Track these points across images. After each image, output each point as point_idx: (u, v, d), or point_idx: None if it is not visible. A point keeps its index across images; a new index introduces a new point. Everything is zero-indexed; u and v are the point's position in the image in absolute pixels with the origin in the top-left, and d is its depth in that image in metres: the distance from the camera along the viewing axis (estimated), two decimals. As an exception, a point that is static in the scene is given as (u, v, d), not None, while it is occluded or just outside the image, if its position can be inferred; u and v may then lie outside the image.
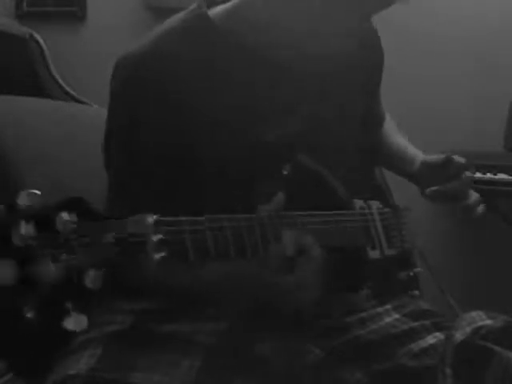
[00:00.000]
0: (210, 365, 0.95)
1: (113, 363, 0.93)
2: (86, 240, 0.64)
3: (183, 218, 0.73)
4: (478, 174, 2.03)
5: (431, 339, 1.03)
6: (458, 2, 2.44)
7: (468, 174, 1.11)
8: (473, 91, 2.41)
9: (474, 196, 1.13)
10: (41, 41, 2.48)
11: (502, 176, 2.05)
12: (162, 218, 0.69)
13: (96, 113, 1.57)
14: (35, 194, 0.63)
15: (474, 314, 1.02)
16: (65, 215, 0.63)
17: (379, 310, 1.09)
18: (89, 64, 2.68)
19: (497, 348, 0.95)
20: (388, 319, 1.08)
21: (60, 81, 2.50)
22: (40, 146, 1.31)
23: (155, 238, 0.67)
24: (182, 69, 0.96)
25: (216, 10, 1.02)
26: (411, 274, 1.12)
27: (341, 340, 1.03)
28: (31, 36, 2.47)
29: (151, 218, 0.68)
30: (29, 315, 0.62)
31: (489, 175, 2.04)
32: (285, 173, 0.94)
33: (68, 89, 2.49)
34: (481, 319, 1.00)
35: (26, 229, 0.61)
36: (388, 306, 1.10)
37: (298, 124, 1.03)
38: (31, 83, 2.47)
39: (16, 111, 1.38)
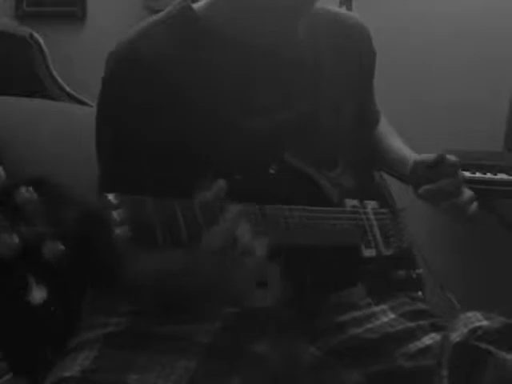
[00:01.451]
0: (207, 365, 0.95)
1: (107, 365, 0.93)
2: (45, 214, 0.64)
3: (149, 198, 0.73)
4: (478, 174, 2.03)
5: (428, 340, 1.03)
6: (458, 2, 2.44)
7: (460, 172, 1.12)
8: (472, 91, 2.41)
9: (467, 194, 1.13)
10: (41, 41, 2.49)
11: (501, 176, 2.05)
12: (125, 196, 0.70)
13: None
14: None
15: (470, 314, 1.02)
16: (24, 190, 0.64)
17: (375, 309, 1.09)
18: (89, 64, 2.67)
19: (493, 349, 0.95)
20: (384, 319, 1.08)
21: (60, 81, 2.50)
22: (39, 146, 1.31)
23: (116, 213, 0.69)
24: (166, 61, 0.98)
25: (201, 3, 1.05)
26: (414, 275, 1.12)
27: (337, 340, 1.03)
28: (31, 36, 2.48)
29: (112, 195, 0.69)
30: None
31: (489, 175, 2.04)
32: (271, 171, 0.94)
33: (68, 89, 2.49)
34: (477, 320, 1.00)
35: None
36: (384, 306, 1.09)
37: (286, 117, 1.03)
38: (31, 83, 2.47)
39: (15, 111, 1.38)
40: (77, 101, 2.41)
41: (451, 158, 1.10)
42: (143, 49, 0.98)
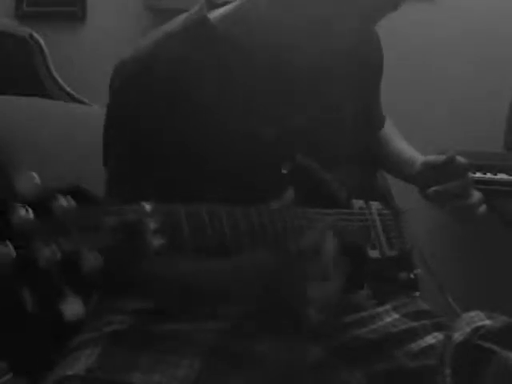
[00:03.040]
0: (210, 365, 0.95)
1: (112, 363, 0.93)
2: (83, 224, 0.63)
3: (179, 205, 0.73)
4: (478, 174, 2.03)
5: (431, 339, 1.03)
6: (458, 2, 2.44)
7: (469, 174, 1.11)
8: (472, 91, 2.41)
9: (476, 195, 1.12)
10: (41, 41, 2.49)
11: (501, 176, 2.05)
12: (159, 206, 0.70)
13: (96, 113, 1.57)
14: (33, 178, 0.63)
15: (473, 313, 1.02)
16: (62, 199, 0.63)
17: (379, 309, 1.09)
18: (89, 64, 2.68)
19: (496, 348, 0.95)
20: (388, 319, 1.08)
21: (60, 81, 2.50)
22: (39, 146, 1.31)
23: (152, 225, 0.68)
24: (183, 71, 0.97)
25: (217, 13, 1.03)
26: (412, 276, 1.12)
27: (341, 340, 1.03)
28: (31, 36, 2.48)
29: (148, 206, 0.69)
30: (27, 298, 0.62)
31: (489, 175, 2.04)
32: (284, 171, 0.95)
33: (68, 89, 2.49)
34: (480, 319, 1.01)
35: (23, 212, 0.61)
36: (388, 306, 1.10)
37: (298, 123, 1.04)
38: (31, 83, 2.47)
39: (15, 111, 1.38)
40: (77, 101, 2.41)
41: (461, 159, 1.10)
42: (161, 57, 0.97)
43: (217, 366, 0.95)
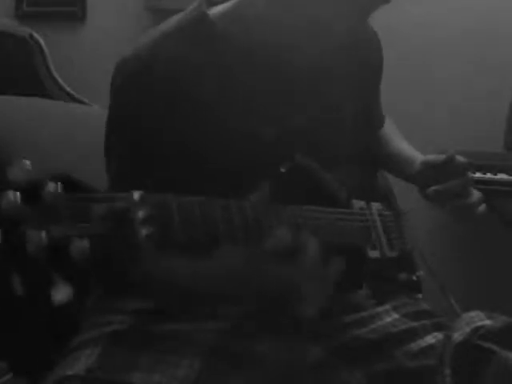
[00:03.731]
0: (210, 365, 0.95)
1: (112, 363, 0.93)
2: (72, 211, 0.63)
3: (171, 196, 0.73)
4: (478, 174, 2.03)
5: (431, 339, 1.03)
6: (458, 2, 2.44)
7: (469, 173, 1.11)
8: (472, 91, 2.41)
9: (475, 195, 1.13)
10: (41, 41, 2.49)
11: (501, 176, 2.05)
12: (149, 194, 0.69)
13: (96, 113, 1.58)
14: (24, 165, 0.63)
15: (473, 313, 1.02)
16: (52, 186, 0.63)
17: (379, 309, 1.09)
18: (89, 64, 2.69)
19: (496, 348, 0.95)
20: (388, 319, 1.08)
21: (60, 81, 2.51)
22: (39, 146, 1.31)
23: (141, 212, 0.67)
24: (183, 70, 0.97)
25: (216, 10, 1.03)
26: (414, 278, 1.12)
27: (341, 340, 1.03)
28: (31, 36, 2.49)
29: (137, 194, 0.68)
30: (15, 284, 0.62)
31: (489, 175, 2.04)
32: (282, 170, 0.95)
33: (68, 89, 2.50)
34: (480, 319, 1.01)
35: (13, 198, 0.61)
36: (387, 306, 1.10)
37: (298, 123, 1.04)
38: (31, 83, 2.47)
39: (15, 111, 1.38)
40: (77, 101, 2.41)
41: (460, 158, 1.10)
42: (161, 56, 0.97)
43: (217, 366, 0.95)
